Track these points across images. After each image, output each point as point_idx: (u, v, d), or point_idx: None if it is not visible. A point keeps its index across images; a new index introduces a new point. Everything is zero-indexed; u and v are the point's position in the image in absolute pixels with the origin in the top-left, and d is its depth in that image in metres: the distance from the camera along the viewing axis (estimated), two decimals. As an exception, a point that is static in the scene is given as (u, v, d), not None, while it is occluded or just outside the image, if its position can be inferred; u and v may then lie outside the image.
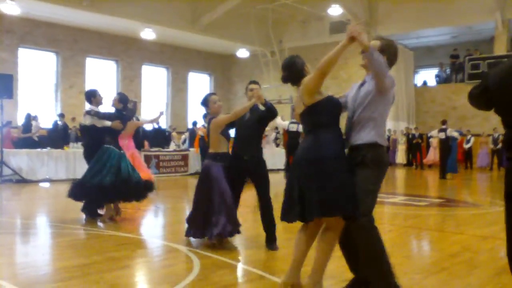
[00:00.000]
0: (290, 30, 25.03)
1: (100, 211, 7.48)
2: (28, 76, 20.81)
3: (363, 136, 3.45)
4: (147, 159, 15.17)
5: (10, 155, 12.60)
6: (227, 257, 5.01)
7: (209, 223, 5.36)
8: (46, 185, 12.43)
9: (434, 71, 25.67)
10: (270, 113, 5.62)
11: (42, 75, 21.45)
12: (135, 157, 9.76)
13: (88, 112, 7.27)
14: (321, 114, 3.52)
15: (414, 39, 24.98)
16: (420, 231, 6.87)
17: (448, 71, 24.84)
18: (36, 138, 15.15)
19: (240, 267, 4.72)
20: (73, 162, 13.52)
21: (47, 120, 18.14)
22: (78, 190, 7.09)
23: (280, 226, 6.79)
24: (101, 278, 4.34)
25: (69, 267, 4.63)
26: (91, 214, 7.32)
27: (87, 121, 7.34)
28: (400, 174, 19.04)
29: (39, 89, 21.39)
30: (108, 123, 7.17)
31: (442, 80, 24.76)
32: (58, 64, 21.76)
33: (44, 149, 13.33)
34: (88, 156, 7.46)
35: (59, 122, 16.20)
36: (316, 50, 24.78)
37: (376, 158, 3.44)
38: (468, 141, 20.56)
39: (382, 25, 23.50)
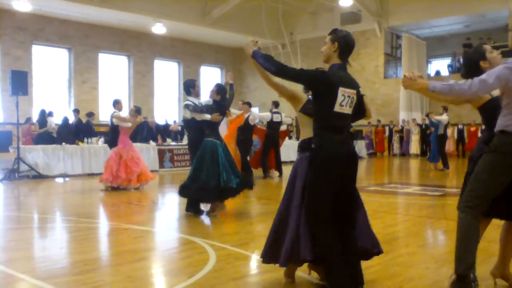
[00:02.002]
0: (301, 22, 24.92)
1: (203, 207, 7.43)
2: (42, 73, 21.01)
3: None
4: (161, 153, 15.25)
5: (26, 151, 12.74)
6: (243, 249, 5.04)
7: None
8: (62, 180, 12.56)
9: (447, 61, 25.42)
10: None
11: (56, 71, 21.64)
12: (132, 153, 10.04)
13: (187, 106, 7.16)
14: None
15: (426, 29, 24.74)
16: (435, 221, 6.85)
17: (461, 60, 24.58)
18: (54, 135, 15.31)
19: (256, 258, 4.75)
20: (88, 157, 13.65)
21: (61, 116, 18.28)
22: (187, 189, 7.10)
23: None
24: (118, 270, 4.39)
25: (86, 260, 4.68)
26: (196, 211, 7.29)
27: (187, 114, 7.25)
28: (414, 164, 18.94)
29: (53, 85, 21.58)
30: (207, 116, 7.05)
31: (455, 69, 24.52)
32: (71, 60, 21.93)
33: (59, 145, 13.46)
34: (193, 149, 7.38)
35: (72, 117, 16.32)
36: (327, 42, 24.71)
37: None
38: (483, 131, 20.37)
39: (393, 15, 23.30)
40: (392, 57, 25.29)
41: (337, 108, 3.49)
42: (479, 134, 20.29)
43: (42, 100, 20.35)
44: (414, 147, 22.69)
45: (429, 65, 25.96)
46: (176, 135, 18.83)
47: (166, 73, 25.73)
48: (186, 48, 25.91)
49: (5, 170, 12.62)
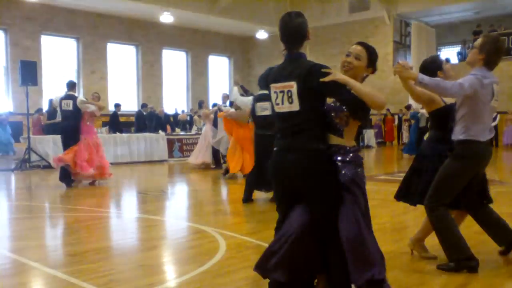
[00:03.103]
0: (309, 10, 24.72)
1: None
2: (51, 63, 21.08)
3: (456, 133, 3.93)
4: (170, 143, 15.30)
5: (37, 141, 12.83)
6: (253, 237, 5.06)
7: None
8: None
9: (457, 48, 25.17)
10: None
11: (64, 61, 21.70)
12: (94, 144, 9.52)
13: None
14: None
15: (436, 16, 24.47)
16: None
17: (471, 47, 24.32)
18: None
19: (265, 247, 4.77)
20: (97, 147, 13.70)
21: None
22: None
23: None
24: (129, 259, 4.44)
25: (98, 248, 4.73)
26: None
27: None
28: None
29: (62, 75, 21.66)
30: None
31: (464, 57, 24.27)
32: (79, 50, 21.96)
33: (69, 135, 13.51)
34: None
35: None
36: (336, 30, 24.53)
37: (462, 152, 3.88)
38: (494, 119, 20.21)
39: (402, 2, 23.07)
40: (401, 45, 25.08)
41: (276, 108, 3.08)
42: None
43: (51, 90, 20.43)
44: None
45: (438, 53, 25.71)
46: (185, 125, 18.86)
47: (175, 63, 25.72)
48: (194, 37, 25.85)
49: (16, 160, 12.72)
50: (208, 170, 12.19)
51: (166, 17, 21.43)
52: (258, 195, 8.70)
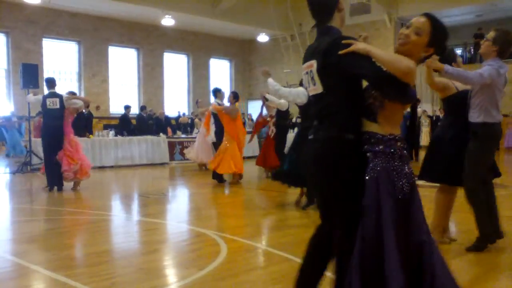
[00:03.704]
0: (310, 13, 24.78)
1: None
2: (52, 66, 21.10)
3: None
4: (171, 145, 15.30)
5: (38, 144, 12.81)
6: (254, 241, 5.06)
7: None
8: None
9: (458, 51, 25.18)
10: None
11: (66, 64, 21.73)
12: (75, 143, 9.10)
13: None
14: None
15: (437, 19, 24.50)
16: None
17: (472, 51, 24.33)
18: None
19: (267, 250, 4.77)
20: (98, 150, 13.72)
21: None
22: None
23: (310, 209, 6.82)
24: (130, 262, 4.43)
25: (99, 252, 4.73)
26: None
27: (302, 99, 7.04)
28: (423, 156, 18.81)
29: (63, 78, 21.69)
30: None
31: (466, 60, 24.27)
32: (80, 53, 22.00)
33: (70, 138, 13.53)
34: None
35: (83, 111, 16.41)
36: (337, 33, 24.57)
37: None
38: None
39: (403, 5, 23.08)
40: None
41: (309, 91, 2.74)
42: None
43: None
44: (425, 138, 22.54)
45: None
46: (186, 127, 18.86)
47: (176, 66, 25.76)
48: (195, 41, 25.89)
49: (17, 163, 12.73)
50: (210, 173, 12.16)
51: (167, 20, 21.46)
52: (261, 199, 8.69)
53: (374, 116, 2.53)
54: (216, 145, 10.69)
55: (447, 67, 4.13)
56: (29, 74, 12.52)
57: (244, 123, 22.89)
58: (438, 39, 2.61)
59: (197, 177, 11.54)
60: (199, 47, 26.13)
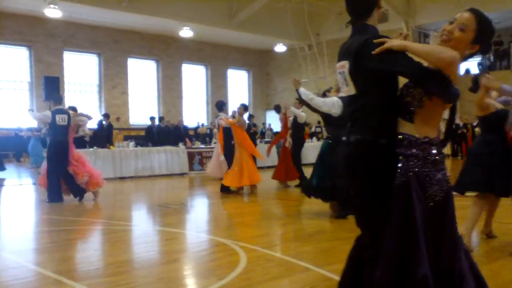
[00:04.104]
0: (327, 23, 24.79)
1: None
2: (73, 78, 21.45)
3: None
4: (190, 156, 15.39)
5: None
6: (273, 250, 5.05)
7: None
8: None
9: (477, 59, 24.90)
10: None
11: (86, 76, 22.06)
12: (79, 157, 9.36)
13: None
14: None
15: (456, 26, 24.30)
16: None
17: (491, 58, 24.05)
18: (87, 139, 15.61)
19: (286, 260, 4.76)
20: (119, 161, 13.86)
21: (92, 120, 18.66)
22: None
23: (328, 220, 6.80)
24: (150, 272, 4.46)
25: (120, 262, 4.77)
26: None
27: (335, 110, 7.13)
28: (446, 164, 18.60)
29: (84, 90, 22.03)
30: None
31: (485, 67, 23.99)
32: (101, 65, 22.33)
33: (90, 149, 13.71)
34: None
35: (104, 122, 16.64)
36: (355, 42, 24.54)
37: None
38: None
39: (420, 13, 22.96)
40: (421, 56, 24.93)
41: (342, 92, 2.64)
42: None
43: (73, 105, 20.75)
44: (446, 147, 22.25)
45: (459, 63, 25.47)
46: (205, 138, 18.97)
47: (194, 77, 25.96)
48: (213, 52, 26.08)
49: (40, 174, 12.92)
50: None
51: (186, 32, 21.68)
52: (280, 209, 8.69)
53: (411, 116, 2.40)
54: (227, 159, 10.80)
55: (504, 85, 4.42)
56: (51, 86, 12.79)
57: (263, 133, 22.99)
58: (484, 36, 2.47)
59: (216, 187, 11.56)
60: (217, 58, 26.32)
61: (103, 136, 15.60)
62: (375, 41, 2.32)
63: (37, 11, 18.35)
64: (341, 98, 2.60)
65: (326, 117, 6.91)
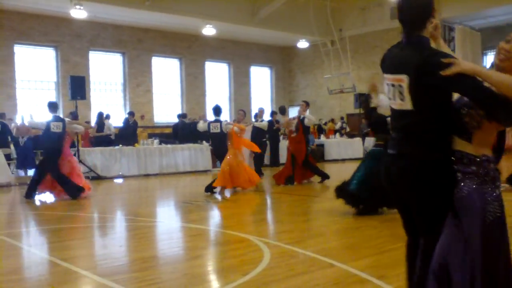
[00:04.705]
0: (350, 18, 24.59)
1: None
2: (98, 77, 21.76)
3: None
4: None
5: (86, 153, 13.24)
6: (297, 246, 5.05)
7: None
8: (119, 181, 12.97)
9: (505, 51, 24.40)
10: None
11: (111, 75, 22.36)
12: (72, 163, 9.47)
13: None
14: None
15: (481, 19, 23.81)
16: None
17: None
18: (113, 137, 15.85)
19: (310, 256, 4.75)
20: (143, 158, 14.02)
21: (117, 118, 18.91)
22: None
23: (352, 216, 6.77)
24: (175, 268, 4.51)
25: (145, 257, 4.83)
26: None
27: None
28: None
29: (109, 89, 22.33)
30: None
31: (513, 60, 23.49)
32: (125, 64, 22.58)
33: (116, 147, 13.90)
34: None
35: (129, 120, 16.85)
36: (377, 37, 24.24)
37: None
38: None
39: (446, 7, 22.55)
40: (444, 50, 24.53)
41: (390, 104, 2.61)
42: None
43: (99, 103, 21.07)
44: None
45: (484, 57, 25.00)
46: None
47: (217, 74, 26.05)
48: (236, 49, 26.12)
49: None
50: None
51: (208, 30, 21.76)
52: (303, 205, 8.68)
53: (468, 136, 2.41)
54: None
55: None
56: (77, 86, 13.00)
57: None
58: None
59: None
60: (239, 55, 26.35)
61: (128, 134, 15.79)
62: (444, 60, 2.29)
63: (63, 12, 18.61)
64: (391, 108, 2.52)
65: (377, 124, 6.75)
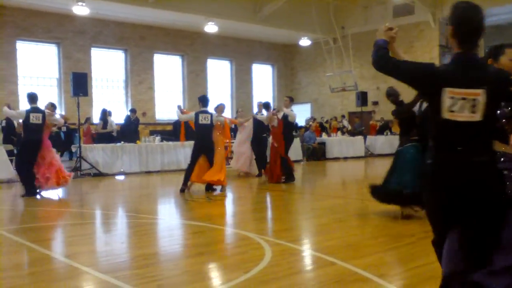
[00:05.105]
0: (352, 16, 24.57)
1: None
2: (100, 74, 21.77)
3: None
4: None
5: (88, 150, 13.26)
6: (298, 244, 5.06)
7: None
8: (121, 178, 12.99)
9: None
10: None
11: (113, 72, 22.37)
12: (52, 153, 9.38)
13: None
14: None
15: (484, 18, 23.80)
16: None
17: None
18: (115, 134, 15.87)
19: (311, 254, 4.76)
20: (145, 155, 14.02)
21: (119, 115, 18.92)
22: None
23: (353, 214, 6.78)
24: (176, 265, 4.53)
25: (146, 254, 4.84)
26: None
27: None
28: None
29: (111, 86, 22.34)
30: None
31: (515, 59, 23.43)
32: (127, 61, 22.59)
33: (118, 144, 13.91)
34: None
35: (130, 117, 16.85)
36: (380, 35, 24.26)
37: None
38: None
39: (448, 5, 22.23)
40: (448, 48, 24.43)
41: (447, 115, 2.63)
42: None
43: (100, 100, 21.09)
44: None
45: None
46: (230, 133, 19.03)
47: (219, 72, 26.05)
48: (238, 46, 26.11)
49: (68, 169, 13.19)
50: (253, 178, 12.24)
51: (211, 27, 21.76)
52: (304, 203, 8.69)
53: (506, 139, 2.75)
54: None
55: None
56: (79, 82, 13.01)
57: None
58: None
59: (240, 181, 11.64)
60: (241, 53, 26.34)
61: (130, 131, 15.79)
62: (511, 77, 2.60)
63: (65, 8, 18.63)
64: (445, 119, 2.60)
65: (424, 121, 6.29)
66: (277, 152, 10.81)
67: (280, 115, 11.19)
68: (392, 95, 6.80)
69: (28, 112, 9.12)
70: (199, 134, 9.75)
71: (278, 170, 10.78)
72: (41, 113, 9.23)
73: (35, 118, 9.10)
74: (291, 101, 11.56)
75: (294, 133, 17.84)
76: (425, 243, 5.07)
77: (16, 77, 19.39)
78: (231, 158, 13.22)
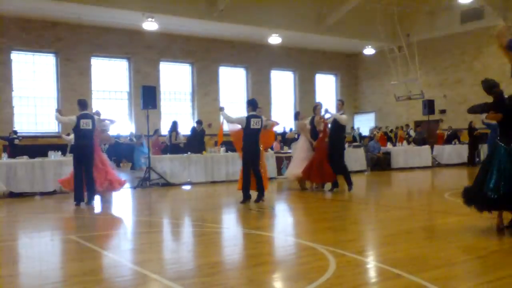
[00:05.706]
0: (418, 23, 23.98)
1: None
2: (168, 87, 22.50)
3: None
4: (279, 160, 15.52)
5: (156, 161, 13.70)
6: (363, 256, 4.99)
7: None
8: (187, 187, 13.30)
9: None
10: None
11: (180, 85, 23.04)
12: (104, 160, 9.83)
13: None
14: None
15: None
16: None
17: None
18: (182, 145, 16.32)
19: (376, 266, 4.68)
20: (210, 165, 14.30)
21: (185, 127, 19.42)
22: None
23: (420, 226, 6.61)
24: (241, 274, 4.58)
25: (212, 263, 4.94)
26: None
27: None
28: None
29: (178, 98, 23.02)
30: None
31: None
32: (193, 74, 23.21)
33: (184, 154, 14.27)
34: None
35: (196, 129, 17.26)
36: (446, 42, 23.47)
37: None
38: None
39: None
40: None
41: None
42: None
43: (168, 112, 21.78)
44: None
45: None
46: (292, 143, 19.03)
47: (282, 82, 26.19)
48: (301, 57, 26.17)
49: (138, 179, 13.67)
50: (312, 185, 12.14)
51: (274, 39, 21.95)
52: (370, 213, 8.54)
53: None
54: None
55: None
56: (148, 95, 13.50)
57: (354, 138, 22.63)
58: None
59: (303, 191, 11.59)
60: (304, 63, 26.37)
61: (196, 142, 16.17)
62: None
63: (135, 24, 19.46)
64: None
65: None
66: (323, 154, 10.73)
67: (328, 118, 11.04)
68: (496, 85, 5.98)
69: (79, 119, 9.35)
70: (250, 139, 9.48)
71: (330, 170, 10.66)
72: (91, 119, 9.47)
73: (85, 124, 9.33)
74: (343, 104, 11.43)
75: (358, 143, 17.68)
76: (497, 256, 4.87)
77: (90, 91, 20.43)
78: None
